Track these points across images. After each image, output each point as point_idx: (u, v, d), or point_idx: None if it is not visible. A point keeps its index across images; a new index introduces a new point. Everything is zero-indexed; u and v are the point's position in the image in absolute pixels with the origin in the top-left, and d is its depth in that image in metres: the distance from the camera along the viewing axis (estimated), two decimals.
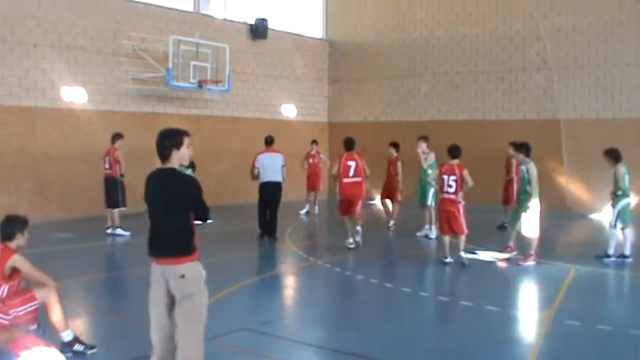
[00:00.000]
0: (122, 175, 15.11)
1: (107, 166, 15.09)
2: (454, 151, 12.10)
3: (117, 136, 15.26)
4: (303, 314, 9.20)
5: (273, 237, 14.77)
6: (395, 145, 16.24)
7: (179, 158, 5.61)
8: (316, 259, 12.82)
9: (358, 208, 13.47)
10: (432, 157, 15.10)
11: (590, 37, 20.50)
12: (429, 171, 14.09)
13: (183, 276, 5.43)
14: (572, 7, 20.74)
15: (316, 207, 20.11)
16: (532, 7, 21.27)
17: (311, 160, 20.04)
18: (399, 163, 15.99)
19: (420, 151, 15.11)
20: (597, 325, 8.09)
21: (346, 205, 13.54)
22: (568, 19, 20.80)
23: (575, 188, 20.07)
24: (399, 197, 16.15)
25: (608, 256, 12.24)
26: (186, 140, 5.64)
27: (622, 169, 12.25)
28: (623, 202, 12.20)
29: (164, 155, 5.56)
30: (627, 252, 12.22)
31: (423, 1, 23.89)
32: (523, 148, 12.22)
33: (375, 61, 24.98)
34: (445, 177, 11.87)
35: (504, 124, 21.48)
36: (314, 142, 20.41)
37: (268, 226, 14.84)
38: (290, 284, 11.42)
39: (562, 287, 10.25)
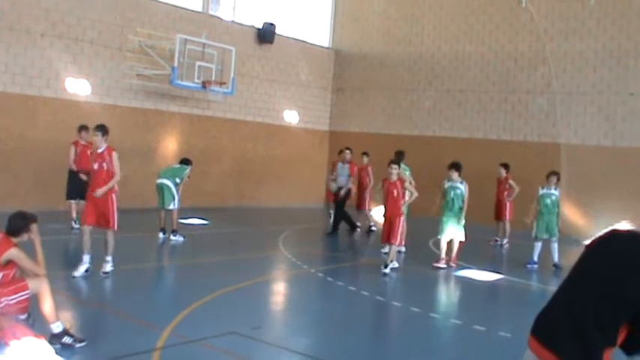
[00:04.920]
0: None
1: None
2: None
3: (80, 128, 14.86)
4: (293, 321, 9.19)
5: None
6: (505, 165, 17.28)
7: None
8: (309, 267, 12.81)
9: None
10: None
11: (595, 64, 20.55)
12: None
13: None
14: (579, 33, 20.79)
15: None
16: (539, 29, 21.34)
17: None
18: (511, 182, 17.05)
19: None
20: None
21: None
22: (575, 45, 20.85)
23: (571, 213, 20.07)
24: (508, 216, 17.25)
25: (534, 263, 14.14)
26: None
27: (539, 190, 14.26)
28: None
29: None
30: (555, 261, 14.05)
31: (431, 15, 23.98)
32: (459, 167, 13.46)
33: (380, 72, 25.03)
34: None
35: (505, 145, 21.54)
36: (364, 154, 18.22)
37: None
38: (281, 291, 11.40)
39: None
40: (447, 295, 12.12)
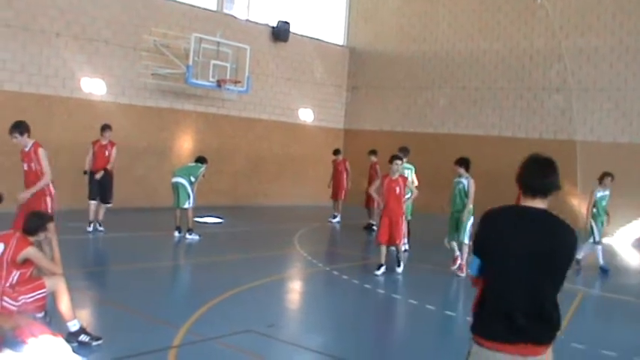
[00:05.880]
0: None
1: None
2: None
3: (102, 127, 14.70)
4: (308, 319, 9.19)
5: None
6: None
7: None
8: (324, 265, 12.81)
9: None
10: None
11: (611, 60, 20.40)
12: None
13: None
14: (595, 29, 20.65)
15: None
16: (555, 25, 21.21)
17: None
18: None
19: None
20: None
21: None
22: (590, 41, 20.71)
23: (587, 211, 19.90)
24: None
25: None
26: None
27: (596, 193, 13.68)
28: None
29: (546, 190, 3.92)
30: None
31: (446, 13, 23.91)
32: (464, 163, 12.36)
33: (395, 70, 24.97)
34: None
35: (520, 142, 21.41)
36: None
37: None
38: (296, 288, 11.40)
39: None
40: (462, 293, 12.04)
